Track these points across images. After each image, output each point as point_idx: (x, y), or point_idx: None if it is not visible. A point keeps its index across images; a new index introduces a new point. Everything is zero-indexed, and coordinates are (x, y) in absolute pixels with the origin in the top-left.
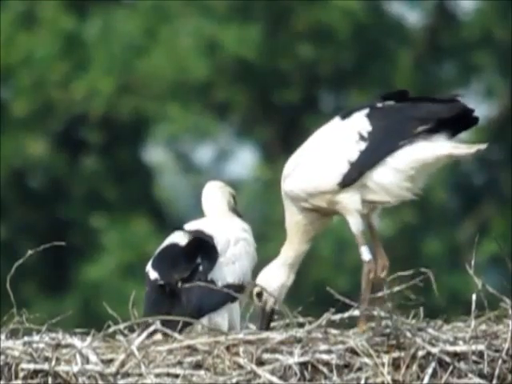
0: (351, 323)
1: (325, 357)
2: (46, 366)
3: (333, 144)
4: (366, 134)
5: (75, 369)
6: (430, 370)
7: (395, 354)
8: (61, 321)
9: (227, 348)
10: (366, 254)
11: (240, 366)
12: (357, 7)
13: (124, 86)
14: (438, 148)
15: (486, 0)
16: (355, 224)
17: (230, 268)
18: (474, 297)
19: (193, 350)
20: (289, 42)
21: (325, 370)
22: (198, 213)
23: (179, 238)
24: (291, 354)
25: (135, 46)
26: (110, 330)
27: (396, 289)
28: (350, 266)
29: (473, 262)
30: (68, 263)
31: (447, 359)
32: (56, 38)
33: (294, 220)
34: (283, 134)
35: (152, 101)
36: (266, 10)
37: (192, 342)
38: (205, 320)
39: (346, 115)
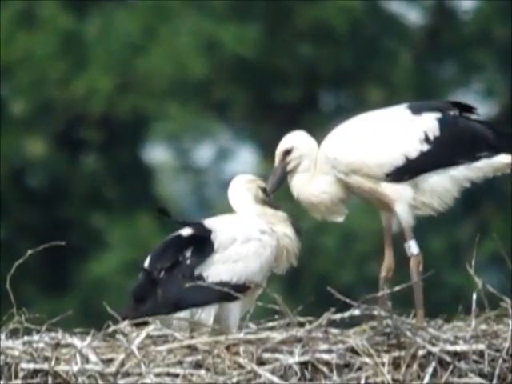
0: (352, 323)
1: (325, 356)
2: (45, 366)
3: (395, 133)
4: (432, 138)
5: (75, 368)
6: (430, 370)
7: (395, 354)
8: (61, 320)
9: (227, 348)
10: (414, 247)
11: (240, 366)
12: (356, 6)
13: (123, 84)
14: (497, 161)
15: None
16: (405, 217)
17: (228, 266)
18: (474, 296)
19: (193, 349)
20: (288, 41)
21: (325, 369)
22: (198, 211)
23: (182, 232)
24: (291, 353)
25: (134, 45)
26: (110, 329)
27: (396, 288)
28: (355, 259)
29: (473, 262)
30: (68, 262)
31: (447, 359)
32: (55, 36)
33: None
34: (283, 132)
35: (151, 99)
36: (265, 8)
37: (192, 341)
38: (185, 314)
39: (415, 110)
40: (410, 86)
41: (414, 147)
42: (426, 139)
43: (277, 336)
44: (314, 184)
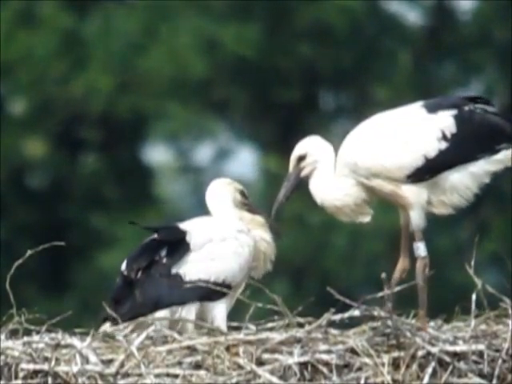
0: (351, 323)
1: (325, 357)
2: (45, 367)
3: (412, 134)
4: (449, 135)
5: (75, 369)
6: (429, 370)
7: (395, 354)
8: (61, 321)
9: (227, 348)
10: (422, 249)
11: (240, 367)
12: (356, 6)
13: (123, 84)
14: None
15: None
16: (417, 220)
17: (205, 265)
18: (473, 296)
19: (192, 350)
20: (288, 41)
21: (324, 370)
22: (199, 211)
23: (157, 235)
24: (291, 354)
25: (134, 44)
26: (109, 329)
27: (397, 289)
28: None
29: (473, 262)
30: (68, 263)
31: (447, 359)
32: (55, 36)
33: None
34: (283, 133)
35: (151, 99)
36: (265, 8)
37: (191, 342)
38: (165, 313)
39: (431, 108)
40: (410, 86)
41: (433, 146)
42: (444, 137)
43: (276, 336)
44: (335, 188)
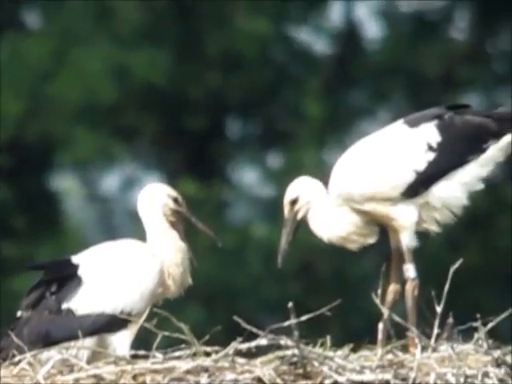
0: (259, 352)
1: None
2: None
3: (399, 151)
4: (435, 145)
5: None
6: None
7: (302, 383)
8: None
9: (134, 377)
10: (411, 271)
11: None
12: (265, 33)
13: (32, 110)
14: (504, 142)
15: (393, 28)
16: (407, 241)
17: (99, 296)
18: (380, 326)
19: (99, 378)
20: (197, 68)
21: None
22: (106, 239)
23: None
24: (198, 383)
25: (44, 70)
26: (16, 359)
27: (303, 318)
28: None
29: (379, 291)
30: None
31: None
32: None
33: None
34: (191, 161)
35: (59, 125)
36: (175, 35)
37: (98, 371)
38: (58, 350)
39: (412, 123)
40: (320, 115)
41: (421, 159)
42: (430, 148)
43: (183, 365)
44: (335, 220)
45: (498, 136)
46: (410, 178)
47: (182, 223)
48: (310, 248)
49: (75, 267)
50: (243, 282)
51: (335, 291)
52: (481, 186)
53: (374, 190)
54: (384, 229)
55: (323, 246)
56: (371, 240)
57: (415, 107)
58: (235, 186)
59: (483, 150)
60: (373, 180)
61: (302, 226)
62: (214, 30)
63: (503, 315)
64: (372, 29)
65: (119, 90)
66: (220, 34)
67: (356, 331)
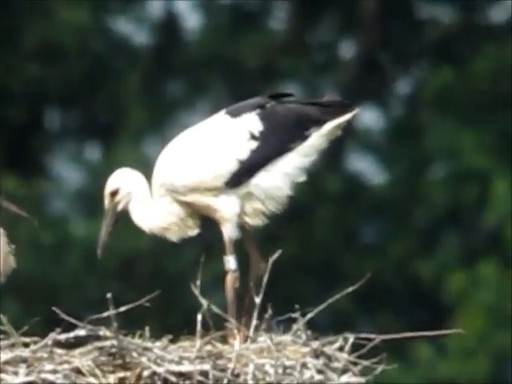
0: (79, 343)
1: (50, 377)
2: None
3: (222, 141)
4: (257, 134)
5: None
6: None
7: (121, 374)
8: None
9: None
10: (232, 262)
11: None
12: (84, 24)
13: None
14: (325, 129)
15: (212, 19)
16: (229, 232)
17: None
18: (199, 317)
19: None
20: (15, 59)
21: None
22: None
23: None
24: (16, 374)
25: None
26: None
27: (122, 309)
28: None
29: (198, 282)
30: None
31: (173, 379)
32: None
33: (166, 210)
34: (10, 155)
35: None
36: None
37: None
38: None
39: (234, 113)
40: (139, 107)
41: (244, 148)
42: (253, 136)
43: (2, 356)
44: (156, 210)
45: (320, 123)
46: (232, 167)
47: None
48: (130, 246)
49: None
50: (62, 277)
51: (155, 287)
52: (304, 178)
53: (197, 180)
54: (205, 221)
55: (143, 244)
56: (193, 232)
57: (235, 98)
58: (55, 180)
59: (305, 138)
60: (196, 170)
61: (122, 224)
62: (33, 20)
63: (322, 306)
64: (191, 20)
65: None
66: (39, 24)
67: (176, 324)
